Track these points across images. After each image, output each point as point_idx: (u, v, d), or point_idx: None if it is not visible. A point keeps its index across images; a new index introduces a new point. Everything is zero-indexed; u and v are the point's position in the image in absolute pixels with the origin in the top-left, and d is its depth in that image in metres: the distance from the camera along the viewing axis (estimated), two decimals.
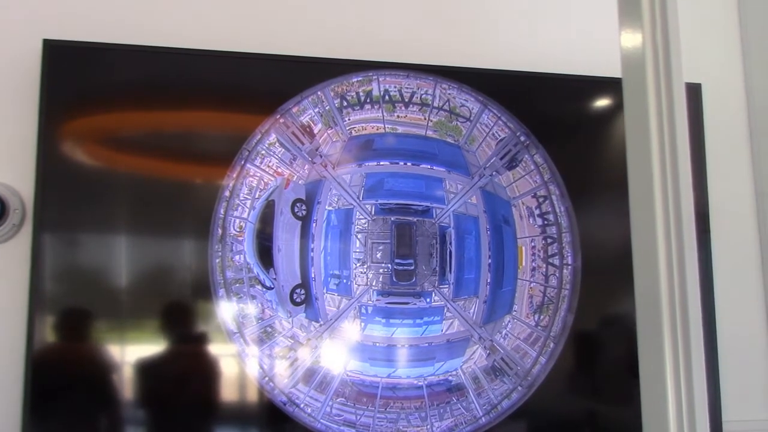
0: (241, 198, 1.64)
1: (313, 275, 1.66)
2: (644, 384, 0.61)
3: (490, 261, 1.74)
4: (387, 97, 1.75)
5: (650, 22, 0.62)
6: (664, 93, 0.60)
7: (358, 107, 1.73)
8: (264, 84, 1.72)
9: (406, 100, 1.76)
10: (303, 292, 1.65)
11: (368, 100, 1.74)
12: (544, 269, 1.77)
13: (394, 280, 1.69)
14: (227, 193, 1.64)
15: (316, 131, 1.71)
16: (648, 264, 0.60)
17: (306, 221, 1.67)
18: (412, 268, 1.70)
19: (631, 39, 0.64)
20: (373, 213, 1.70)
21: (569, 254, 1.78)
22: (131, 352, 1.58)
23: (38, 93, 1.57)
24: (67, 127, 1.59)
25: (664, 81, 0.61)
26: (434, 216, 1.73)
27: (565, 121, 1.86)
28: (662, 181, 0.60)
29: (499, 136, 1.79)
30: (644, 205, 0.60)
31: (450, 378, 1.70)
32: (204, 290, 1.60)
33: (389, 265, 1.69)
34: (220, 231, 1.62)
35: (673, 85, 0.60)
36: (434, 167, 1.75)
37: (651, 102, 0.61)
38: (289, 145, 1.69)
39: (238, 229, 1.63)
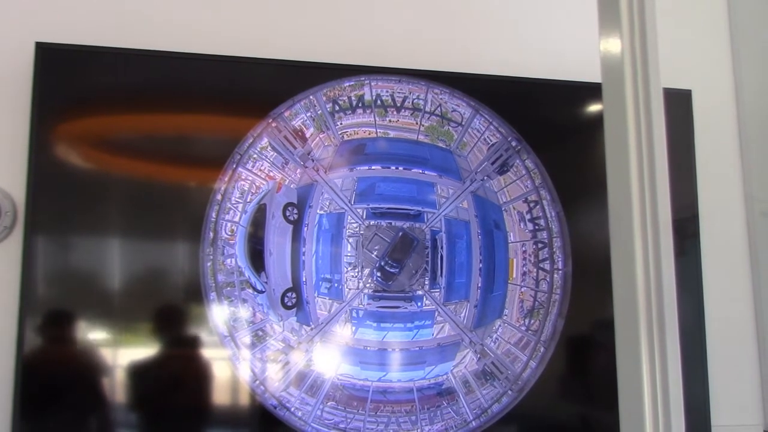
0: (233, 201, 1.65)
1: (304, 279, 1.66)
2: (621, 387, 0.62)
3: (481, 265, 1.74)
4: (379, 102, 1.76)
5: (629, 28, 0.63)
6: (641, 97, 0.61)
7: (350, 112, 1.74)
8: (256, 88, 1.73)
9: (398, 104, 1.76)
10: (294, 295, 1.66)
11: (360, 105, 1.75)
12: (535, 274, 1.77)
13: (377, 274, 1.69)
14: (219, 197, 1.64)
15: (308, 135, 1.71)
16: (625, 268, 0.61)
17: (297, 225, 1.68)
18: (397, 272, 1.71)
19: (610, 44, 0.64)
20: (364, 217, 1.71)
21: (560, 259, 1.78)
22: (122, 355, 1.58)
23: (30, 95, 1.57)
24: (60, 130, 1.60)
25: (641, 86, 0.61)
26: (425, 220, 1.74)
27: (556, 126, 1.87)
28: (639, 186, 0.61)
29: (491, 141, 1.80)
30: (622, 208, 0.61)
31: (440, 382, 1.70)
32: (195, 294, 1.61)
33: (380, 262, 1.70)
34: (211, 234, 1.63)
35: (651, 90, 0.61)
36: (426, 172, 1.76)
37: (629, 107, 0.62)
38: (281, 149, 1.69)
39: (229, 233, 1.64)
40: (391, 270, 1.70)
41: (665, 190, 0.61)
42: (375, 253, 1.70)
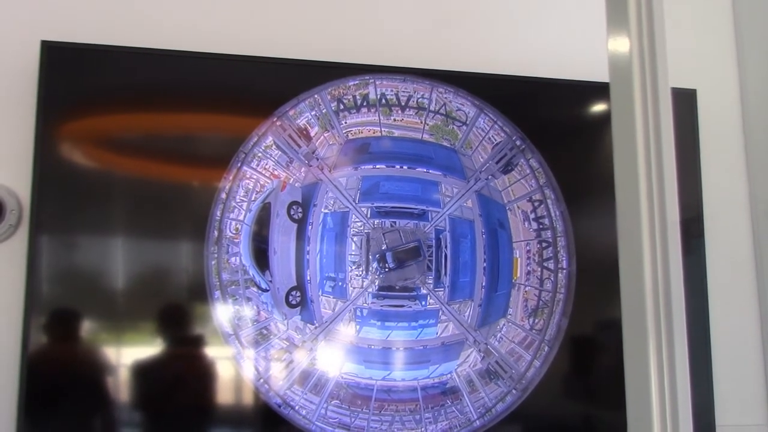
0: (238, 200, 1.65)
1: (308, 278, 1.66)
2: (629, 386, 0.62)
3: (485, 264, 1.74)
4: (384, 101, 1.76)
5: (637, 27, 0.63)
6: (650, 97, 0.61)
7: (355, 111, 1.74)
8: (261, 87, 1.73)
9: (403, 103, 1.76)
10: (298, 294, 1.66)
11: (365, 104, 1.75)
12: (539, 273, 1.77)
13: (378, 262, 1.69)
14: (224, 195, 1.64)
15: (312, 134, 1.71)
16: (633, 268, 0.61)
17: (302, 224, 1.68)
18: (393, 268, 1.71)
19: (618, 44, 0.64)
20: (368, 216, 1.71)
21: (564, 258, 1.78)
22: (127, 354, 1.59)
23: (36, 94, 1.58)
24: (65, 129, 1.60)
25: (650, 85, 0.61)
26: (430, 219, 1.74)
27: (560, 125, 1.87)
28: (647, 185, 0.61)
29: (495, 140, 1.80)
30: (630, 208, 0.61)
31: (445, 381, 1.70)
32: (200, 292, 1.61)
33: (385, 252, 1.70)
34: (216, 233, 1.63)
35: (659, 89, 0.61)
36: (430, 171, 1.76)
37: (637, 106, 0.62)
38: (286, 147, 1.69)
39: (234, 231, 1.64)
40: (390, 264, 1.71)
41: (673, 189, 0.61)
42: (386, 244, 1.70)
